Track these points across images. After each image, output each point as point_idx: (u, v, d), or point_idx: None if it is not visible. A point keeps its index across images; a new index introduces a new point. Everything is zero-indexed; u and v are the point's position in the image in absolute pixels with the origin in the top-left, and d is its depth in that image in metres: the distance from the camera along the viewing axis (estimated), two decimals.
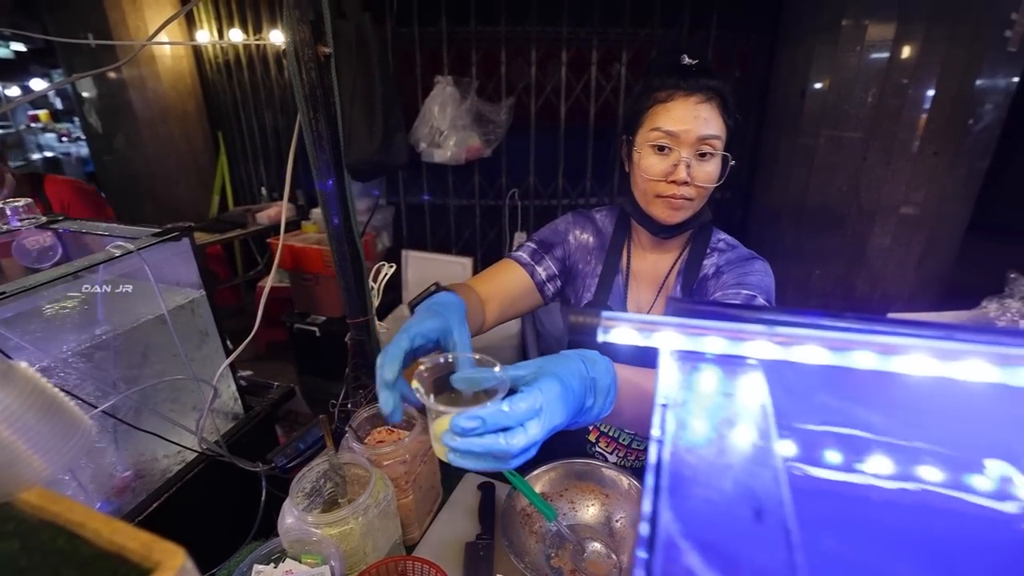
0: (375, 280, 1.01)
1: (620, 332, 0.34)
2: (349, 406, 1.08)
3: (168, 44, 3.34)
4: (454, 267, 3.17)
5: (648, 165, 0.91)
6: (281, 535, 0.73)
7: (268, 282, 0.93)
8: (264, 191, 3.68)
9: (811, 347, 0.32)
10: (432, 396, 0.53)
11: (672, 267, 1.05)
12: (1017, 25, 2.37)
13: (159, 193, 3.52)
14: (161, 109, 3.42)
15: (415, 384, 0.53)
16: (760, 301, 0.92)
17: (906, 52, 2.42)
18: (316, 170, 0.89)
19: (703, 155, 0.89)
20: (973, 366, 0.31)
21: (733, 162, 0.91)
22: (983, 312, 2.07)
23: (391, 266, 1.00)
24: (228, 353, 1.08)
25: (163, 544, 0.31)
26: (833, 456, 0.32)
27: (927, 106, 2.45)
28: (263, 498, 0.92)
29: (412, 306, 0.73)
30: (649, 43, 2.95)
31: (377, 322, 1.05)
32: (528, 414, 0.50)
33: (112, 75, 3.22)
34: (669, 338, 0.33)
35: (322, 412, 0.97)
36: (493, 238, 3.38)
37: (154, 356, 0.97)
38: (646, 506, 0.23)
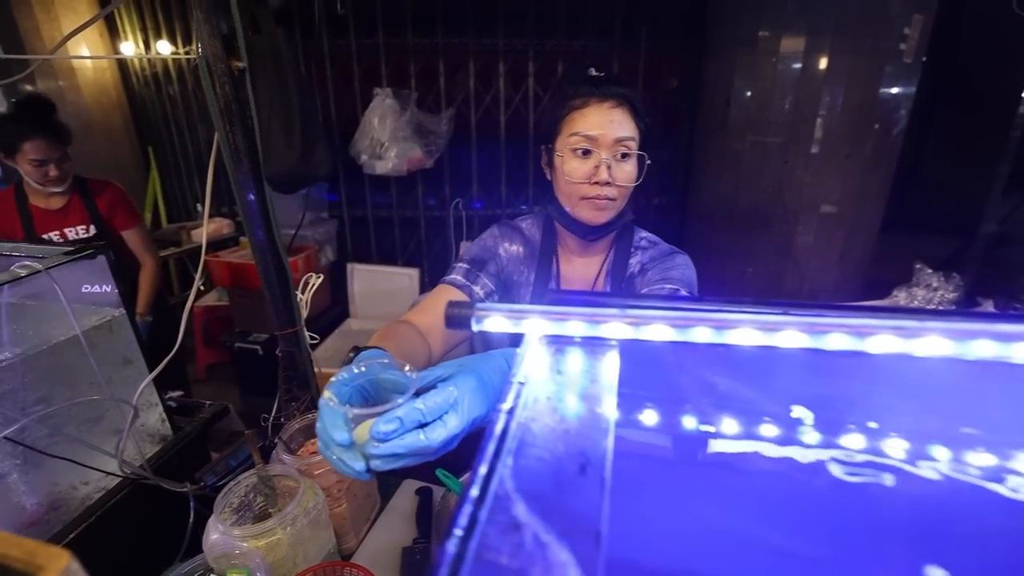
0: (303, 291, 1.01)
1: (492, 321, 0.37)
2: (282, 419, 1.07)
3: (77, 58, 3.20)
4: (401, 279, 3.16)
5: (572, 169, 0.95)
6: (206, 551, 0.72)
7: (190, 300, 0.92)
8: (200, 207, 3.56)
9: (658, 326, 0.35)
10: (348, 404, 0.54)
11: (600, 269, 1.09)
12: (910, 39, 2.59)
13: None
14: (83, 124, 3.27)
15: (327, 394, 0.53)
16: (683, 293, 0.98)
17: (816, 63, 2.60)
18: (235, 184, 0.89)
19: (622, 156, 0.94)
20: (790, 336, 0.35)
21: (649, 161, 0.97)
22: (894, 300, 2.24)
23: (319, 277, 1.01)
24: (159, 375, 1.05)
25: (48, 548, 0.31)
26: (670, 420, 0.36)
27: (837, 112, 2.64)
28: (191, 519, 0.90)
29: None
30: (583, 54, 3.05)
31: (308, 333, 1.04)
32: (444, 407, 0.52)
33: (27, 88, 3.06)
34: (536, 324, 0.37)
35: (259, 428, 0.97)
36: (439, 248, 3.39)
37: (71, 380, 0.94)
38: (482, 469, 0.25)
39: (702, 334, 0.35)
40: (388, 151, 2.93)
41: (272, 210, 0.92)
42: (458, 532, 0.21)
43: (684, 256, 1.05)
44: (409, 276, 3.15)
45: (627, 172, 0.95)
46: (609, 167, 0.93)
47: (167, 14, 3.20)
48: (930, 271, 2.32)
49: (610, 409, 0.30)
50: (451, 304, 0.38)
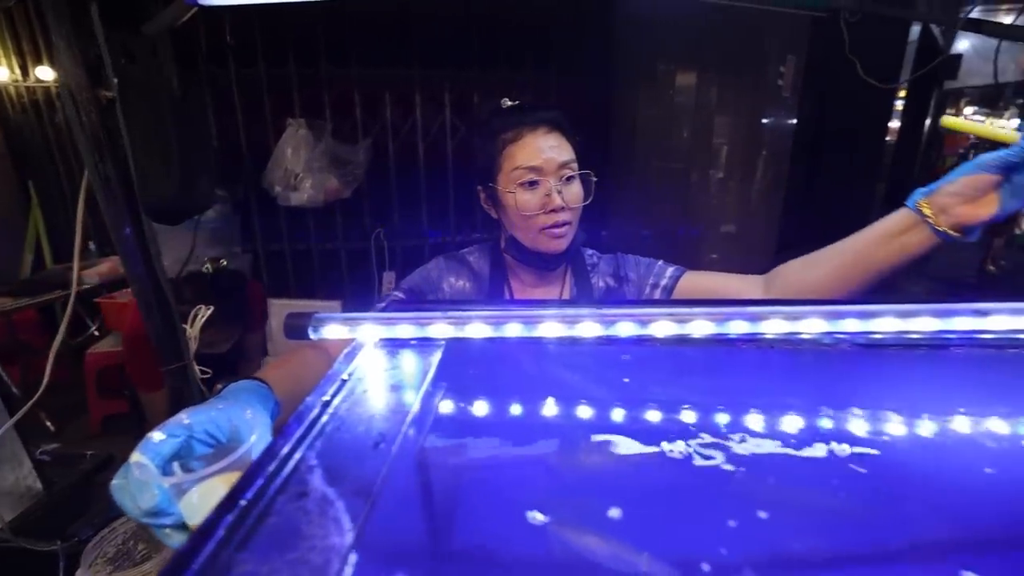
0: (191, 324, 0.97)
1: (329, 329, 0.39)
2: None
3: None
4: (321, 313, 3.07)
5: (524, 202, 0.92)
6: None
7: (54, 347, 0.86)
8: (93, 246, 3.30)
9: (477, 324, 0.38)
10: (176, 464, 0.46)
11: (560, 296, 1.05)
12: (786, 76, 2.88)
13: None
14: None
15: (136, 457, 0.44)
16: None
17: (707, 96, 2.84)
18: (108, 218, 0.85)
19: (567, 179, 0.92)
20: (588, 327, 0.39)
21: (595, 179, 0.95)
22: None
23: (208, 308, 0.97)
24: (48, 432, 0.97)
25: None
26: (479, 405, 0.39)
27: (730, 141, 2.88)
28: None
29: None
30: (497, 85, 3.15)
31: (197, 367, 1.00)
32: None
33: None
34: (370, 330, 0.38)
35: None
36: (361, 280, 3.34)
37: None
38: (285, 448, 0.27)
39: (512, 329, 0.38)
40: (303, 182, 2.88)
41: (153, 241, 0.89)
42: (242, 502, 0.23)
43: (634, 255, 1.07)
44: (330, 309, 3.06)
45: (575, 193, 0.93)
46: (560, 192, 0.91)
47: (47, 38, 3.00)
48: None
49: (418, 398, 0.32)
50: (289, 315, 0.39)
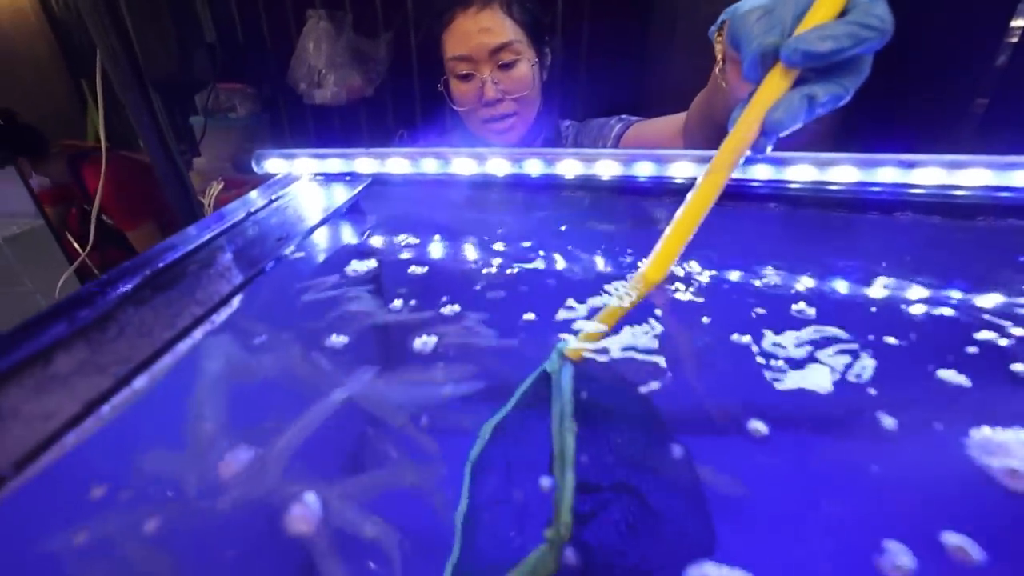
0: (206, 198, 1.08)
1: (270, 163, 0.46)
2: None
3: None
4: None
5: (458, 96, 0.86)
6: None
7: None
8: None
9: (396, 159, 0.45)
10: None
11: None
12: None
13: None
14: (7, 51, 3.11)
15: None
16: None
17: None
18: (123, 94, 0.93)
19: (505, 66, 0.83)
20: (497, 164, 0.45)
21: (536, 61, 0.85)
22: None
23: (220, 183, 1.07)
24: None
25: None
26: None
27: None
28: None
29: None
30: None
31: None
32: None
33: None
34: (304, 164, 0.46)
35: None
36: None
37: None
38: (207, 235, 0.35)
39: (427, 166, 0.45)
40: (326, 79, 2.88)
41: (161, 114, 0.97)
42: (160, 265, 0.31)
43: (610, 117, 0.94)
44: None
45: (518, 79, 0.83)
46: (496, 82, 0.83)
47: None
48: None
49: (320, 214, 0.40)
50: (237, 153, 0.47)
